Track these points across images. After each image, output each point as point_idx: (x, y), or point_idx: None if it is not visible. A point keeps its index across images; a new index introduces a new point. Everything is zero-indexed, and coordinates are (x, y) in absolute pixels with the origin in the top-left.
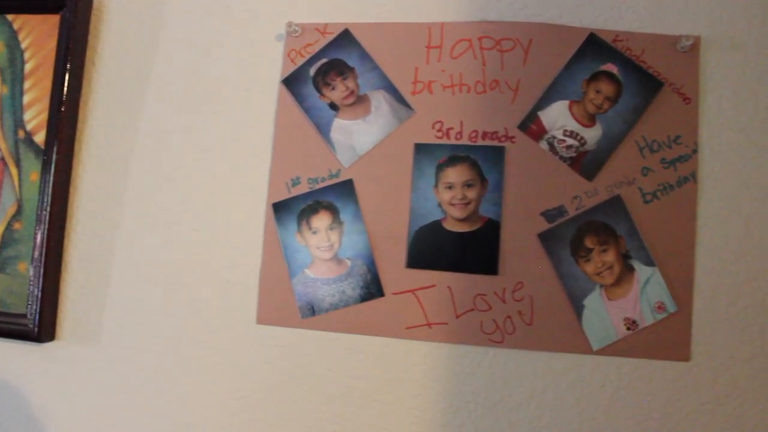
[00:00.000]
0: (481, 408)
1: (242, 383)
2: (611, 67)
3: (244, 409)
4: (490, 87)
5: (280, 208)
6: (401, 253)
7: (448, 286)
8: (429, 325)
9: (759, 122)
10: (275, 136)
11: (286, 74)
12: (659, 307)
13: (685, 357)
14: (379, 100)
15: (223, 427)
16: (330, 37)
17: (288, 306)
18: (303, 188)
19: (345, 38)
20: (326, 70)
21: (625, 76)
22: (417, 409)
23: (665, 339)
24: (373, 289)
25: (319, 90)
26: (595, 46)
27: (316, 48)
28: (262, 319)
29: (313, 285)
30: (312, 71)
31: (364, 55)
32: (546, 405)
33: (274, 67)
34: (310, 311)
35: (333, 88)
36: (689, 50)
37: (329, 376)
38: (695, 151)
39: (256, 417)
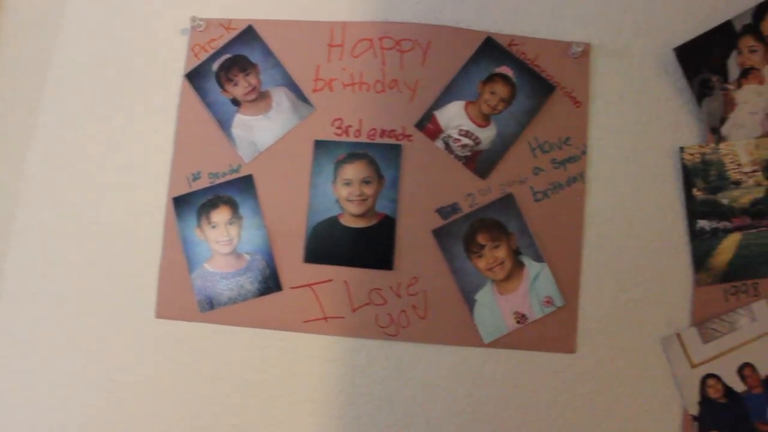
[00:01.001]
0: (376, 400)
1: (140, 377)
2: (506, 70)
3: (142, 402)
4: (389, 86)
5: (180, 203)
6: (299, 248)
7: (345, 281)
8: (326, 318)
9: (643, 126)
10: (177, 130)
11: (190, 69)
12: (547, 302)
13: (570, 349)
14: (281, 97)
15: (122, 421)
16: (234, 33)
17: (187, 300)
18: (203, 183)
19: (249, 34)
20: (229, 66)
21: (519, 79)
22: (314, 402)
23: (552, 332)
24: (271, 283)
25: (221, 85)
26: (491, 50)
27: (220, 43)
28: (161, 313)
29: (212, 279)
30: (215, 66)
31: (267, 52)
32: (439, 396)
33: (177, 62)
34: (209, 305)
35: (235, 84)
36: (580, 56)
37: (227, 369)
38: (584, 153)
39: (154, 411)
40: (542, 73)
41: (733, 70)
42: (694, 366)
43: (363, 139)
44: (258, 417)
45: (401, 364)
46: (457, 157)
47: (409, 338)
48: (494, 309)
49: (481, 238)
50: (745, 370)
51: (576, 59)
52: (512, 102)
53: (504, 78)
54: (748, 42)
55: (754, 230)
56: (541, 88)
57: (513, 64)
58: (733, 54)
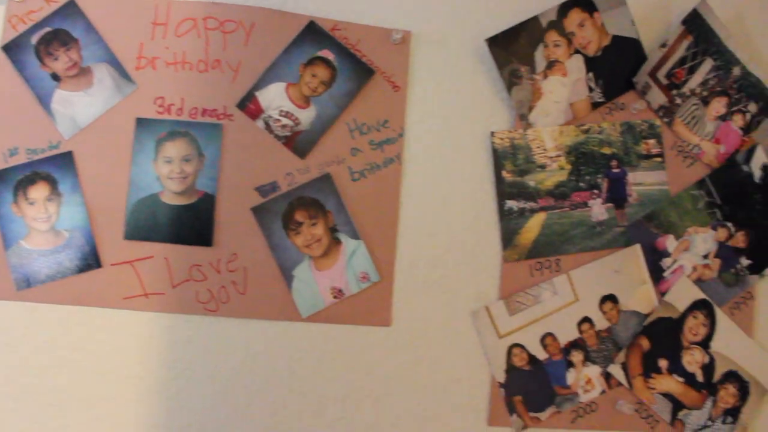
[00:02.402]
0: (198, 375)
1: None
2: (327, 54)
3: None
4: (212, 66)
5: None
6: (119, 225)
7: (165, 257)
8: (146, 295)
9: (458, 111)
10: None
11: (6, 41)
12: (363, 277)
13: (386, 322)
14: (103, 73)
15: None
16: (55, 6)
17: (2, 278)
18: (21, 159)
19: (70, 8)
20: (49, 40)
21: (340, 63)
22: (135, 378)
23: (369, 306)
24: (90, 260)
25: (41, 59)
26: (313, 33)
27: (40, 16)
28: None
29: (29, 257)
30: (34, 40)
31: (89, 27)
32: (259, 369)
33: None
34: (26, 283)
35: (56, 59)
36: (401, 43)
37: (46, 348)
38: (401, 135)
39: None
40: (363, 57)
41: (540, 62)
42: (501, 336)
43: (185, 117)
44: (78, 395)
45: (221, 339)
46: (277, 137)
47: (229, 313)
48: (312, 284)
49: (299, 216)
50: (546, 339)
51: (396, 46)
52: (332, 85)
53: (325, 61)
54: (553, 37)
55: (557, 210)
56: (362, 72)
57: (334, 48)
58: (540, 47)
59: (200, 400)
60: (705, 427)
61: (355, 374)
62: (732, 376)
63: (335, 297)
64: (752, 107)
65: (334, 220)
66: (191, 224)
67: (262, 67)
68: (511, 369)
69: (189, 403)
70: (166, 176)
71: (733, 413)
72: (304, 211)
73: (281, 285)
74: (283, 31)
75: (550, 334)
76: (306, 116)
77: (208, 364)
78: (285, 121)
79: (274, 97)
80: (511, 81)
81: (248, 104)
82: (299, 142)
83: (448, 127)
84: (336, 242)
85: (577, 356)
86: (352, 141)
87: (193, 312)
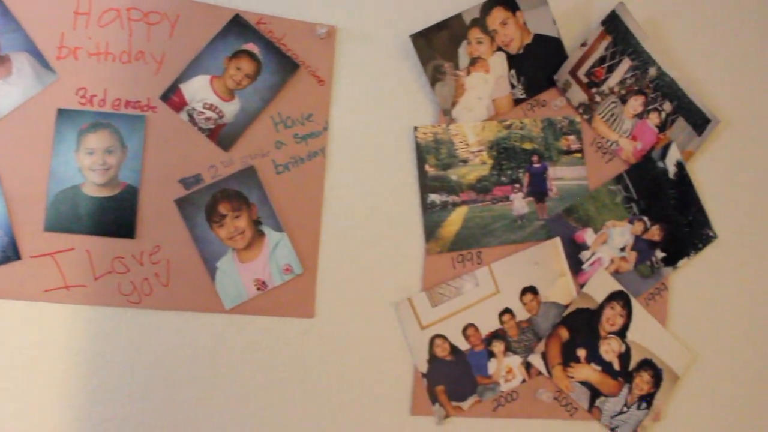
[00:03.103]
0: (119, 367)
1: None
2: (252, 47)
3: None
4: (135, 57)
5: None
6: (39, 216)
7: (87, 250)
8: (67, 287)
9: (382, 106)
10: None
11: None
12: (287, 269)
13: (309, 314)
14: (22, 63)
15: None
16: None
17: None
18: None
19: None
20: None
21: (265, 56)
22: (57, 371)
23: (292, 298)
24: (9, 252)
25: None
26: (239, 27)
27: None
28: None
29: None
30: None
31: (7, 14)
32: (182, 361)
33: None
34: None
35: None
36: (326, 37)
37: None
38: (325, 129)
39: None
40: (288, 51)
41: (464, 59)
42: (423, 328)
43: (107, 109)
44: None
45: (144, 332)
46: (201, 129)
47: (152, 306)
48: (235, 276)
49: (222, 208)
50: (468, 330)
51: (322, 40)
52: (257, 78)
53: (250, 54)
54: (476, 34)
55: (479, 204)
56: (286, 65)
57: (260, 42)
58: (464, 44)
59: (122, 392)
60: (621, 413)
61: (278, 365)
62: (647, 364)
63: (258, 289)
64: (667, 106)
65: (258, 212)
66: (113, 216)
67: (186, 59)
68: (433, 359)
69: (111, 396)
70: (88, 168)
71: (647, 399)
72: (227, 203)
73: (204, 277)
74: (208, 23)
75: (471, 325)
76: (230, 109)
77: (130, 356)
78: (209, 113)
79: (198, 90)
80: (434, 77)
81: (172, 96)
82: (223, 135)
83: (372, 121)
84: (259, 235)
85: (498, 346)
86: (276, 134)
87: (116, 304)
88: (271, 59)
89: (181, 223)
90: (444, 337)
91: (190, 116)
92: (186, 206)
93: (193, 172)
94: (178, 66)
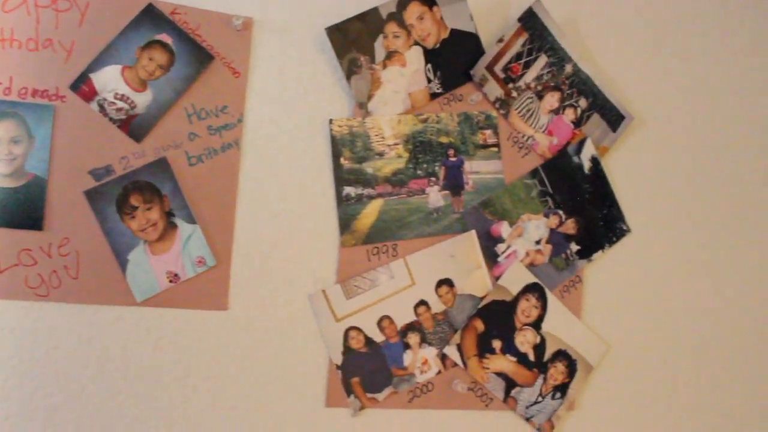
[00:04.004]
0: (26, 362)
1: None
2: (166, 38)
3: None
4: (43, 45)
5: None
6: None
7: None
8: None
9: (298, 98)
10: None
11: None
12: (200, 262)
13: (223, 306)
14: None
15: None
16: None
17: None
18: None
19: None
20: None
21: (179, 47)
22: None
23: (205, 290)
24: None
25: None
26: (152, 16)
27: None
28: None
29: None
30: None
31: None
32: (92, 355)
33: None
34: None
35: None
36: (242, 29)
37: None
38: (240, 121)
39: None
40: (203, 43)
41: (380, 52)
42: (338, 320)
43: (13, 97)
44: None
45: (52, 325)
46: (112, 120)
47: (60, 299)
48: (147, 269)
49: (133, 200)
50: (383, 322)
51: (238, 32)
52: (170, 69)
53: (163, 45)
54: (392, 28)
55: (394, 197)
56: (201, 57)
57: (173, 33)
58: (380, 38)
59: (30, 388)
60: (536, 402)
61: (191, 358)
62: (561, 355)
63: (171, 281)
64: (583, 102)
65: (170, 204)
66: (20, 207)
67: (97, 48)
68: (348, 351)
69: (18, 393)
70: None
71: (562, 389)
72: (139, 195)
73: (115, 269)
74: (120, 12)
75: (387, 317)
76: (142, 100)
77: (38, 351)
78: (120, 104)
79: (109, 80)
80: (350, 70)
81: (82, 86)
82: (135, 126)
83: (288, 113)
84: (172, 227)
85: (413, 338)
86: (190, 126)
87: (22, 298)
88: (185, 50)
89: (90, 214)
90: (359, 329)
91: (101, 106)
92: (96, 198)
93: (104, 163)
94: (89, 55)
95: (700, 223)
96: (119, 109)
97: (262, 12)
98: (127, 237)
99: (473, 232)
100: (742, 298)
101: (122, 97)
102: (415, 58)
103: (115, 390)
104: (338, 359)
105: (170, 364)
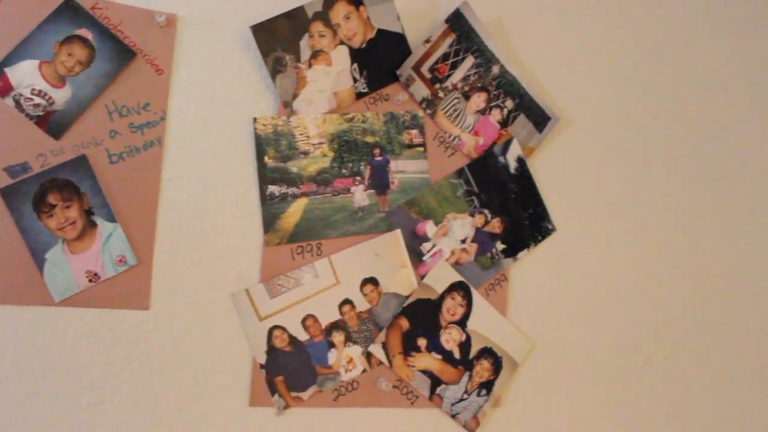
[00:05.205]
0: None
1: None
2: (85, 33)
3: None
4: None
5: None
6: None
7: None
8: None
9: (223, 96)
10: None
11: None
12: (120, 261)
13: (144, 305)
14: None
15: None
16: None
17: None
18: None
19: None
20: None
21: (100, 43)
22: None
23: (126, 290)
24: None
25: None
26: (71, 11)
27: None
28: None
29: None
30: None
31: None
32: (7, 357)
33: None
34: None
35: None
36: (166, 26)
37: None
38: (163, 119)
39: None
40: (125, 39)
41: (305, 51)
42: (261, 319)
43: None
44: None
45: None
46: (29, 116)
47: None
48: (66, 268)
49: (51, 198)
50: (307, 320)
51: (161, 28)
52: (90, 65)
53: (82, 40)
54: (318, 27)
55: (319, 196)
56: (122, 53)
57: (94, 28)
58: (305, 37)
59: None
60: (462, 400)
61: (112, 359)
62: (486, 352)
63: (91, 281)
64: (509, 103)
65: (90, 202)
66: None
67: (12, 42)
68: (271, 350)
69: None
70: None
71: (487, 386)
72: (57, 193)
73: (32, 269)
74: (37, 6)
75: (311, 316)
76: (61, 96)
77: None
78: (37, 100)
79: (26, 75)
80: (275, 68)
81: None
82: (53, 123)
83: (212, 111)
84: (91, 225)
85: (338, 337)
86: (111, 123)
87: None
88: (106, 46)
89: (5, 213)
90: (283, 328)
91: (17, 102)
92: (11, 196)
93: (20, 160)
94: (4, 49)
95: (623, 222)
96: (36, 105)
97: (187, 8)
98: (45, 236)
99: (398, 231)
100: (665, 295)
101: (39, 93)
102: (340, 57)
103: (32, 392)
104: (262, 358)
105: (89, 365)
